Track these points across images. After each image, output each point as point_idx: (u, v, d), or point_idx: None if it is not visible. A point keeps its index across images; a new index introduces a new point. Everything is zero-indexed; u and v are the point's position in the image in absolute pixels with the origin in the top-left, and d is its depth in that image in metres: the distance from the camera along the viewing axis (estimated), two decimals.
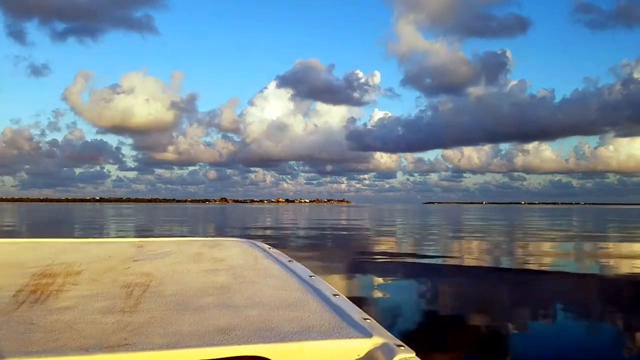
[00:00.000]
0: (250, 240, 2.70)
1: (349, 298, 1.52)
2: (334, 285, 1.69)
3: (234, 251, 2.38)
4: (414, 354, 1.10)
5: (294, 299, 1.51)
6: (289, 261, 2.10)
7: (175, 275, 1.82)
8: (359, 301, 5.52)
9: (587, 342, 5.08)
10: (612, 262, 11.97)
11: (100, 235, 14.71)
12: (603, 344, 5.01)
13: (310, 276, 1.80)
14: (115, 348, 1.07)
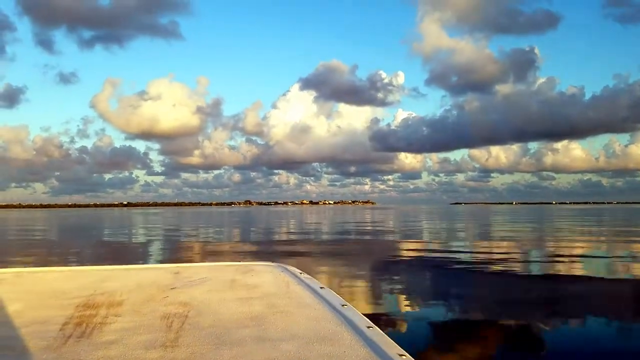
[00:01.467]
0: (282, 265, 2.70)
1: (384, 329, 1.48)
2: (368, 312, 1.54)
3: (266, 277, 2.38)
4: None
5: (327, 331, 1.49)
6: (321, 288, 2.08)
7: (211, 305, 1.83)
8: (394, 334, 5.26)
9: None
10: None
11: (133, 257, 14.26)
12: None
13: (343, 305, 1.77)
14: None
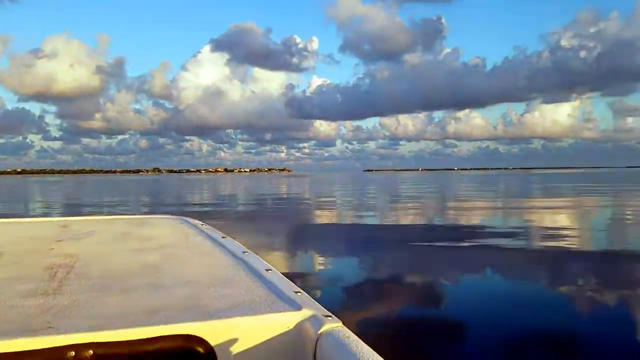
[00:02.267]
0: (182, 217, 2.69)
1: (283, 273, 1.54)
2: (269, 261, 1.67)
3: (163, 229, 2.37)
4: (340, 324, 1.13)
5: (225, 275, 1.52)
6: (222, 237, 2.09)
7: (100, 256, 1.80)
8: (293, 276, 5.81)
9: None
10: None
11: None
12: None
13: (244, 252, 1.80)
14: (39, 332, 1.04)
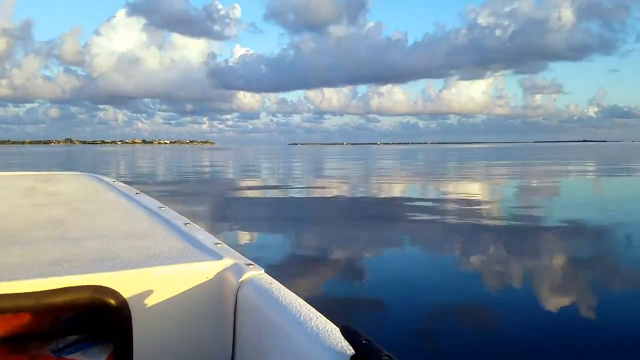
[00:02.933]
0: (93, 174, 2.62)
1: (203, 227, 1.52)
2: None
3: (72, 185, 2.30)
4: (262, 271, 1.11)
5: (140, 229, 1.47)
6: (137, 194, 2.02)
7: (1, 210, 1.72)
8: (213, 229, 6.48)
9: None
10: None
11: None
12: None
13: (160, 207, 1.74)
14: None
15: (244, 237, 7.11)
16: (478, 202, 11.43)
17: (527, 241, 6.69)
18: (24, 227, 1.47)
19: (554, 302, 4.11)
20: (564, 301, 4.13)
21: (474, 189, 14.89)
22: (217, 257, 1.19)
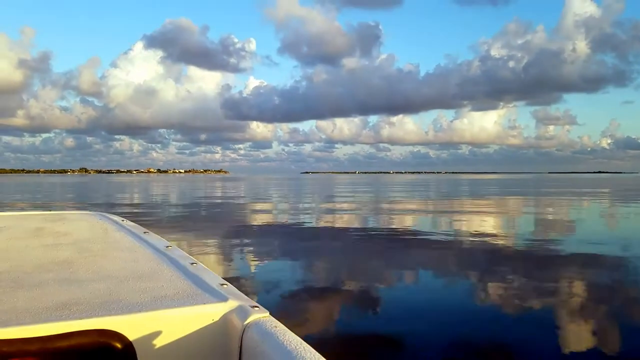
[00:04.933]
0: (101, 213, 2.63)
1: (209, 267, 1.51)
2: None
3: (80, 225, 2.30)
4: (267, 314, 1.11)
5: (147, 269, 1.46)
6: (144, 232, 2.06)
7: (10, 252, 1.71)
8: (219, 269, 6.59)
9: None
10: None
11: None
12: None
13: (167, 246, 1.77)
14: None
15: (265, 273, 6.94)
16: (524, 237, 10.95)
17: (571, 280, 6.37)
18: (32, 269, 1.47)
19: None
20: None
21: (518, 222, 14.24)
22: (223, 298, 1.18)
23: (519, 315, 4.62)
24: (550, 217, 15.38)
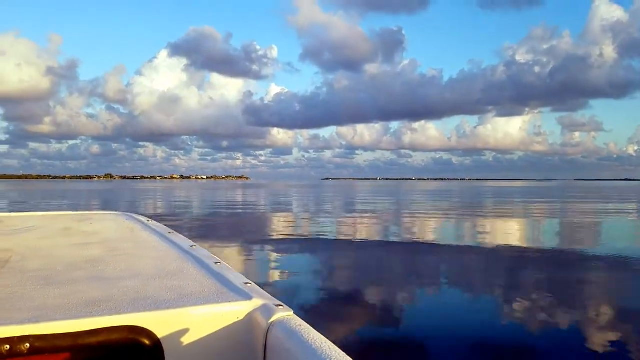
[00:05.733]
0: (127, 213, 2.68)
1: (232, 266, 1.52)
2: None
3: (107, 224, 2.34)
4: (292, 312, 1.12)
5: (173, 268, 1.50)
6: (169, 232, 2.09)
7: (39, 250, 1.74)
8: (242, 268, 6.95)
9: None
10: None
11: None
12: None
13: (191, 246, 1.80)
14: None
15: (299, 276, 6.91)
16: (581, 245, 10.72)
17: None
18: (62, 267, 1.50)
19: None
20: None
21: (570, 235, 13.41)
22: (247, 297, 1.20)
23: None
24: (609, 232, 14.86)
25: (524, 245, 10.46)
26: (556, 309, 5.09)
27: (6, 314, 1.07)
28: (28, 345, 0.99)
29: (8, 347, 0.98)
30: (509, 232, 13.15)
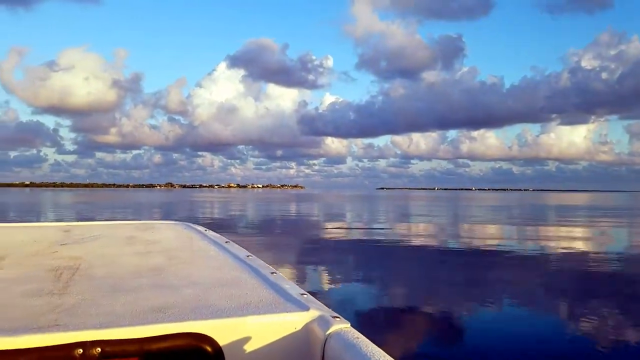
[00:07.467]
0: (186, 223, 2.76)
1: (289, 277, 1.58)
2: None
3: (168, 234, 2.43)
4: (349, 325, 1.12)
5: (231, 277, 1.53)
6: (226, 242, 2.15)
7: (105, 258, 1.81)
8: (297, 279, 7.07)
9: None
10: None
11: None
12: None
13: (248, 256, 1.85)
14: (46, 329, 1.05)
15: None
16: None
17: None
18: (127, 274, 1.56)
19: None
20: None
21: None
22: (304, 308, 1.20)
23: None
24: None
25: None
26: None
27: (78, 318, 1.12)
28: (99, 349, 1.03)
29: (81, 350, 1.02)
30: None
